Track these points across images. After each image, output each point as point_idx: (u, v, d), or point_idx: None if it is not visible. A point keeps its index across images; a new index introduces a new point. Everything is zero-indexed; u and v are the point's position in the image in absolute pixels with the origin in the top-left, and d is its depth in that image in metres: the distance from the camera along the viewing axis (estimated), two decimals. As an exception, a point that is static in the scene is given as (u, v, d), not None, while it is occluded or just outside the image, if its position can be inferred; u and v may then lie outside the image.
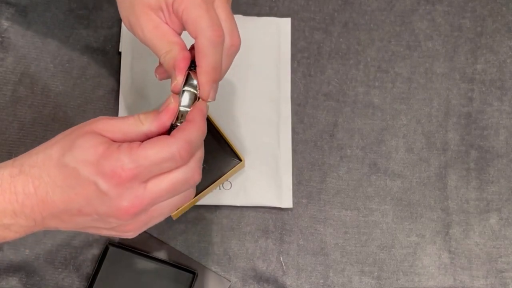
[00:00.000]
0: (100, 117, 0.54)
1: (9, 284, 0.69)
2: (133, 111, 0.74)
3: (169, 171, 0.52)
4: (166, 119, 0.54)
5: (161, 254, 0.70)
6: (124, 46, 0.76)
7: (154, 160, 0.50)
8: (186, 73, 0.56)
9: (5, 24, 0.77)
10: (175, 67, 0.56)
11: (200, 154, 0.54)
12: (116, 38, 0.77)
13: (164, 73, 0.60)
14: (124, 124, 0.53)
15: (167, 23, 0.57)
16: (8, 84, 0.75)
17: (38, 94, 0.75)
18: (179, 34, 0.58)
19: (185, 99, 0.56)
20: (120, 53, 0.76)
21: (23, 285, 0.69)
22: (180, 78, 0.55)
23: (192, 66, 0.57)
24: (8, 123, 0.74)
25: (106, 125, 0.53)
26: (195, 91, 0.56)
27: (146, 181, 0.51)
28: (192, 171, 0.53)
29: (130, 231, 0.54)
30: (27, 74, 0.76)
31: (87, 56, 0.76)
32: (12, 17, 0.77)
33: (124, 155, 0.50)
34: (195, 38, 0.55)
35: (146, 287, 0.69)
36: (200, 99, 0.56)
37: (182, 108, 0.55)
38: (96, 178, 0.50)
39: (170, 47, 0.56)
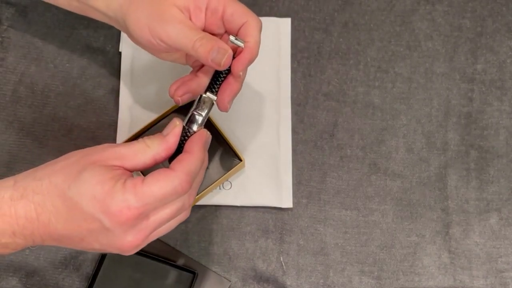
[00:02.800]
0: (106, 145, 0.55)
1: (9, 284, 0.69)
2: (133, 111, 0.74)
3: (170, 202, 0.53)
4: (172, 142, 0.56)
5: (161, 254, 0.70)
6: (124, 46, 0.76)
7: (159, 197, 0.52)
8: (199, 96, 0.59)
9: (5, 24, 0.77)
10: (220, 43, 0.58)
11: (198, 179, 0.56)
12: (116, 38, 0.77)
13: (186, 91, 0.63)
14: (131, 151, 0.54)
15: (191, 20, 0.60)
16: (8, 84, 0.75)
17: (38, 94, 0.75)
18: None
19: (193, 120, 0.58)
20: (120, 53, 0.76)
21: (23, 285, 0.69)
22: (231, 50, 0.59)
23: (208, 90, 0.60)
24: (8, 123, 0.74)
25: (113, 154, 0.54)
26: (202, 115, 0.58)
27: (148, 214, 0.53)
28: (189, 196, 0.55)
29: (128, 254, 0.55)
30: (27, 74, 0.76)
31: (87, 56, 0.76)
32: (12, 17, 0.77)
33: (130, 194, 0.51)
34: (244, 23, 0.60)
35: (146, 287, 0.69)
36: (202, 128, 0.58)
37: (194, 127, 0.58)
38: (101, 215, 0.51)
39: (203, 33, 0.59)
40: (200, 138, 0.57)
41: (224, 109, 0.61)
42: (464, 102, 0.77)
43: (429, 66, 0.78)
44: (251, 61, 0.60)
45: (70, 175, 0.52)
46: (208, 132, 0.58)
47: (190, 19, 0.60)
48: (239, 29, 0.60)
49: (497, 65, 0.78)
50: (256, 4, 0.79)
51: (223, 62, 0.58)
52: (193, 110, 0.59)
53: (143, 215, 0.52)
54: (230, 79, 0.61)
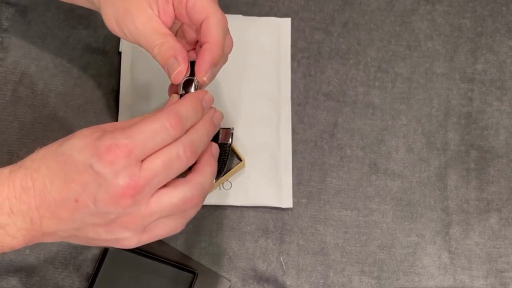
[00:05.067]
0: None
1: (9, 284, 0.69)
2: (133, 111, 0.74)
3: (163, 147, 0.52)
4: None
5: (161, 254, 0.70)
6: (124, 46, 0.76)
7: (147, 133, 0.51)
8: (189, 63, 0.57)
9: (5, 24, 0.77)
10: (177, 55, 0.57)
11: (194, 135, 0.54)
12: (116, 38, 0.77)
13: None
14: (128, 122, 0.54)
15: (159, 17, 0.58)
16: (8, 84, 0.75)
17: (38, 94, 0.75)
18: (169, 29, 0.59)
19: (186, 85, 0.57)
20: (120, 53, 0.76)
21: (23, 285, 0.69)
22: (184, 66, 0.57)
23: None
24: (8, 123, 0.74)
25: (110, 125, 0.54)
26: (193, 78, 0.57)
27: (141, 160, 0.51)
28: (184, 146, 0.52)
29: (129, 228, 0.52)
30: (27, 74, 0.76)
31: (87, 56, 0.76)
32: (12, 17, 0.77)
33: (118, 133, 0.51)
34: (204, 18, 0.56)
35: (146, 287, 0.69)
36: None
37: None
38: (91, 160, 0.50)
39: (164, 38, 0.57)
40: (195, 94, 0.56)
41: (199, 77, 0.57)
42: (464, 102, 0.77)
43: (429, 66, 0.78)
44: (215, 64, 0.57)
45: (63, 138, 0.53)
46: (208, 93, 0.57)
47: (159, 14, 0.58)
48: (201, 24, 0.57)
49: (497, 65, 0.78)
50: (256, 4, 0.79)
51: (172, 78, 0.57)
52: (184, 76, 0.58)
53: (133, 154, 0.50)
54: (207, 45, 0.57)
